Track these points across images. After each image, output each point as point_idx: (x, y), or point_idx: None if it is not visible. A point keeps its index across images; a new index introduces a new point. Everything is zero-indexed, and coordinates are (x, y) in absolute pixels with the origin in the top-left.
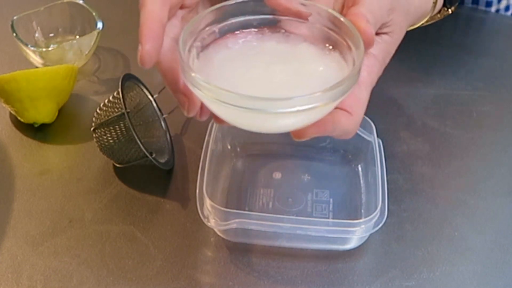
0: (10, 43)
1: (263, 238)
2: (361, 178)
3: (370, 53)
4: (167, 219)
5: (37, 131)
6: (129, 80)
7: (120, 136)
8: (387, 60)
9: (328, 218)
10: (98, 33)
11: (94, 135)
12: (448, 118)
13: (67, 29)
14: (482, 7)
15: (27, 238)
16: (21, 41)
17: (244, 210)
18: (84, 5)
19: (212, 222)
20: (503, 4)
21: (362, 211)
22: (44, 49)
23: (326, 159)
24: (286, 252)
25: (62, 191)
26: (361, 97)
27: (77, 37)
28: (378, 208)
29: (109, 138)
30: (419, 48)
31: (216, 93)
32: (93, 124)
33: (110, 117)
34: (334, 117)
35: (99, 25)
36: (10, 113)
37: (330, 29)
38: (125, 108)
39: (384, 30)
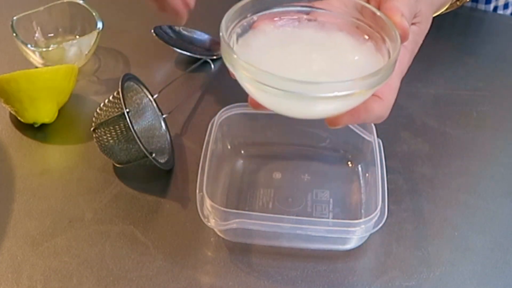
0: (10, 43)
1: (263, 238)
2: (361, 178)
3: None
4: (167, 219)
5: (37, 131)
6: (129, 80)
7: (120, 136)
8: (416, 50)
9: (328, 218)
10: (98, 33)
11: (94, 135)
12: (448, 118)
13: (67, 29)
14: (481, 4)
15: (27, 238)
16: (21, 41)
17: (244, 210)
18: (84, 5)
19: (212, 222)
20: (501, 1)
21: (362, 211)
22: (44, 49)
23: (326, 159)
24: (286, 252)
25: (62, 191)
26: (391, 84)
27: (77, 37)
28: (378, 208)
29: (109, 138)
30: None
31: (257, 74)
32: (93, 124)
33: (110, 117)
34: (367, 105)
35: (99, 25)
36: (10, 113)
37: (365, 22)
38: (125, 108)
39: (412, 21)
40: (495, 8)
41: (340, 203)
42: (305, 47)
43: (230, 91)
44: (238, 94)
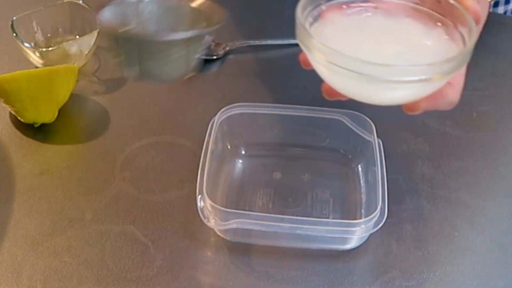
0: (10, 43)
1: (263, 238)
2: (361, 178)
3: None
4: (167, 219)
5: (37, 131)
6: None
7: None
8: (480, 30)
9: (328, 218)
10: (98, 33)
11: None
12: (448, 118)
13: (67, 29)
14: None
15: (27, 238)
16: (21, 41)
17: (244, 210)
18: (84, 5)
19: (212, 222)
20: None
21: (362, 211)
22: (44, 49)
23: (326, 159)
24: (286, 252)
25: (62, 191)
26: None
27: (77, 37)
28: (378, 208)
29: None
30: None
31: (333, 56)
32: None
33: None
34: (442, 91)
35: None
36: (10, 113)
37: (428, 7)
38: None
39: None
40: (496, 4)
41: (340, 203)
42: (377, 33)
43: (230, 91)
44: (238, 94)
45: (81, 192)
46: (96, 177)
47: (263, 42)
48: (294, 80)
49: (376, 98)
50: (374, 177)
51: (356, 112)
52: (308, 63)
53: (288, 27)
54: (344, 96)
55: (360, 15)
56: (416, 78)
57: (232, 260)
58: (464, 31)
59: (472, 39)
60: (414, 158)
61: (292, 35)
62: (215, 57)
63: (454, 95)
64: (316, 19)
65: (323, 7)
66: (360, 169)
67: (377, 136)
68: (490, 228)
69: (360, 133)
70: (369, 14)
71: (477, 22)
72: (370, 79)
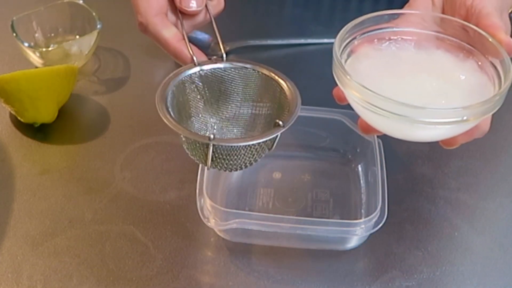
0: (10, 43)
1: (263, 238)
2: (361, 178)
3: None
4: (167, 219)
5: (37, 131)
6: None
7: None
8: None
9: (328, 218)
10: (98, 33)
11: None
12: None
13: (67, 29)
14: None
15: (27, 238)
16: (21, 41)
17: (244, 210)
18: (84, 5)
19: (212, 222)
20: None
21: (362, 211)
22: (44, 49)
23: (326, 159)
24: (286, 252)
25: (62, 191)
26: None
27: (77, 37)
28: (378, 208)
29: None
30: None
31: (368, 96)
32: None
33: None
34: (477, 124)
35: (99, 25)
36: (10, 113)
37: (460, 38)
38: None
39: None
40: None
41: (340, 203)
42: (411, 68)
43: None
44: None
45: (81, 192)
46: (96, 177)
47: (263, 42)
48: (294, 80)
49: (412, 136)
50: (374, 177)
51: None
52: (342, 99)
53: (288, 27)
54: (380, 132)
55: (392, 49)
56: (451, 120)
57: (232, 260)
58: (496, 62)
59: (508, 79)
60: (414, 158)
61: (292, 35)
62: (215, 57)
63: (486, 124)
64: (349, 54)
65: (356, 42)
66: (360, 169)
67: (377, 136)
68: (490, 228)
69: (360, 133)
70: (400, 46)
71: (510, 53)
72: (405, 120)
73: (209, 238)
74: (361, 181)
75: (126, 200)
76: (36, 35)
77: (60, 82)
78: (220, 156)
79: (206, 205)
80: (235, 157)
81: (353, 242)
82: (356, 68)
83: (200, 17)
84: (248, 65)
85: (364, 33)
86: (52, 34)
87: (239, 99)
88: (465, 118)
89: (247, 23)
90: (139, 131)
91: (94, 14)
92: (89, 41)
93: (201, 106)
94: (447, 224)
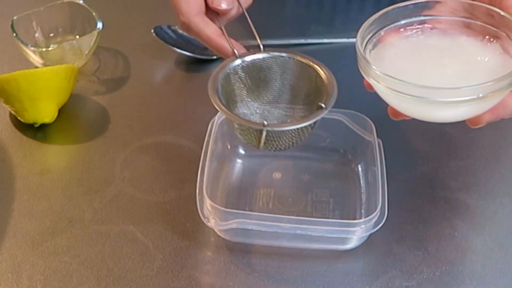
0: (10, 43)
1: (263, 238)
2: (361, 178)
3: None
4: (167, 219)
5: (37, 131)
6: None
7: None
8: None
9: (328, 218)
10: (98, 33)
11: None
12: None
13: (67, 29)
14: None
15: (27, 238)
16: (21, 41)
17: (244, 210)
18: (84, 5)
19: (212, 222)
20: None
21: (362, 211)
22: (44, 49)
23: (326, 159)
24: (286, 252)
25: (62, 191)
26: None
27: (77, 37)
28: (378, 208)
29: None
30: None
31: (392, 83)
32: None
33: None
34: (504, 101)
35: (99, 25)
36: (10, 113)
37: (486, 22)
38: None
39: None
40: None
41: (340, 203)
42: (435, 54)
43: None
44: None
45: (81, 192)
46: (96, 177)
47: (263, 42)
48: None
49: (437, 117)
50: (374, 177)
51: (356, 112)
52: (371, 87)
53: (288, 27)
54: (408, 116)
55: (417, 37)
56: (467, 98)
57: (232, 260)
58: None
59: None
60: (414, 158)
61: (292, 35)
62: (215, 57)
63: None
64: (376, 44)
65: (382, 32)
66: (360, 169)
67: (377, 136)
68: (490, 228)
69: (360, 133)
70: (426, 35)
71: None
72: (426, 102)
73: (209, 238)
74: (361, 181)
75: (126, 200)
76: (36, 35)
77: (60, 82)
78: (271, 139)
79: (206, 205)
80: (284, 138)
81: (353, 242)
82: (382, 56)
83: (233, 12)
84: (284, 54)
85: (388, 25)
86: (52, 34)
87: (277, 84)
88: (481, 95)
89: (247, 23)
90: (139, 131)
91: (94, 14)
92: (89, 41)
93: (244, 94)
94: (447, 224)
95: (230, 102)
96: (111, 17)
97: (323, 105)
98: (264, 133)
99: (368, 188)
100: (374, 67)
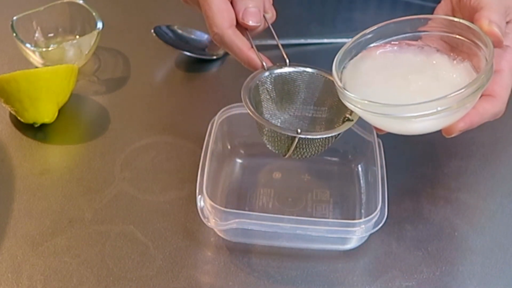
0: (10, 43)
1: (263, 238)
2: (361, 178)
3: (505, 45)
4: (167, 219)
5: (37, 131)
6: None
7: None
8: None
9: (328, 218)
10: (98, 33)
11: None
12: None
13: (67, 29)
14: None
15: (27, 238)
16: (21, 41)
17: (244, 210)
18: (84, 5)
19: (212, 222)
20: None
21: (362, 211)
22: (44, 49)
23: (326, 159)
24: (286, 252)
25: (62, 191)
26: (503, 81)
27: (77, 37)
28: (378, 208)
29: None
30: None
31: (363, 105)
32: None
33: None
34: (478, 108)
35: (99, 25)
36: (10, 113)
37: (462, 37)
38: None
39: (507, 19)
40: None
41: (340, 203)
42: (404, 69)
43: (230, 91)
44: (238, 94)
45: (81, 192)
46: (96, 177)
47: (263, 42)
48: None
49: (409, 130)
50: (374, 177)
51: None
52: None
53: (289, 27)
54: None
55: (394, 52)
56: (429, 111)
57: (232, 260)
58: (486, 53)
59: (488, 61)
60: (414, 158)
61: (292, 35)
62: (215, 57)
63: (495, 106)
64: (355, 55)
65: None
66: (360, 169)
67: (377, 136)
68: (490, 228)
69: (360, 133)
70: (403, 50)
71: (497, 43)
72: (394, 118)
73: (209, 238)
74: (361, 181)
75: (126, 200)
76: (36, 35)
77: (60, 82)
78: (300, 147)
79: (206, 205)
80: (312, 146)
81: (353, 242)
82: (358, 67)
83: (260, 28)
84: (309, 69)
85: (369, 44)
86: (52, 34)
87: (302, 97)
88: (439, 109)
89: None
90: (139, 131)
91: (94, 14)
92: (89, 41)
93: (270, 104)
94: (447, 224)
95: (259, 111)
96: (111, 17)
97: (349, 117)
98: (296, 141)
99: (368, 188)
100: (345, 87)
